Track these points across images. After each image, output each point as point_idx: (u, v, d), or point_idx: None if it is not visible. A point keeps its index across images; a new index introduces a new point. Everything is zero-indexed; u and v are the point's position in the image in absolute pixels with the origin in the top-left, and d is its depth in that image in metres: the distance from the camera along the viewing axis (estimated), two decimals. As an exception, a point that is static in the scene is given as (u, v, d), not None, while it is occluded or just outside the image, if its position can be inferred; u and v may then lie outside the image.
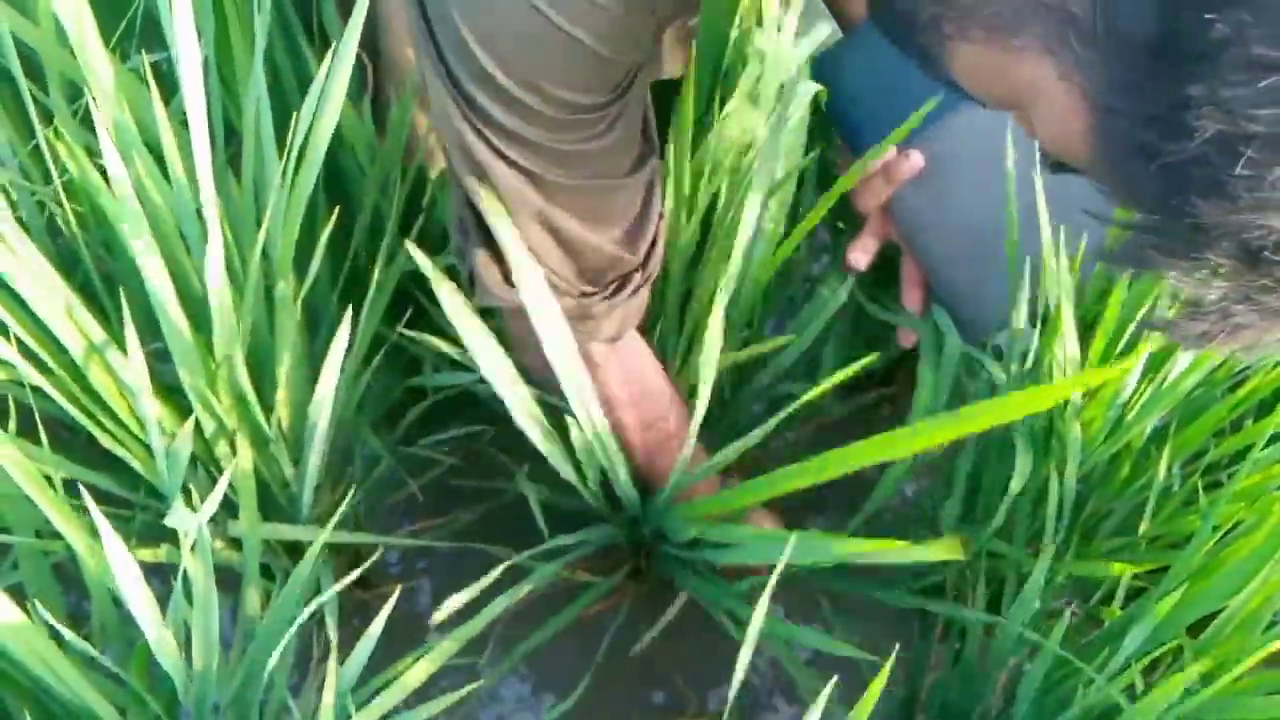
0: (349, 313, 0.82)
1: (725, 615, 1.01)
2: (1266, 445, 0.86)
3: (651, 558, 1.13)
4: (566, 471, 0.94)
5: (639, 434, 0.94)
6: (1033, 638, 0.87)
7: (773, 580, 0.70)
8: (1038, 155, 0.87)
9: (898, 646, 0.79)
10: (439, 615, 0.86)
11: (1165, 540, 0.96)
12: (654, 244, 0.81)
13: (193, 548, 0.74)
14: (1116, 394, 0.84)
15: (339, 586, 0.78)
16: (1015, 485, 0.86)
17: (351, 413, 1.01)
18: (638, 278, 0.82)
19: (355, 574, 0.80)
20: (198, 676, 0.79)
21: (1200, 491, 0.91)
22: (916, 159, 0.91)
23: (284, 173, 0.74)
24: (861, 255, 0.97)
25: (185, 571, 0.75)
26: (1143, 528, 0.93)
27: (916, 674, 1.05)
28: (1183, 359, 0.83)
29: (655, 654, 1.12)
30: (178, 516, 0.77)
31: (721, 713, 1.11)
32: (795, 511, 1.10)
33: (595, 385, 0.87)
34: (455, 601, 0.85)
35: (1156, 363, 0.86)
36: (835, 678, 0.71)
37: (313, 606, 0.74)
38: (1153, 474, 0.90)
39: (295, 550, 1.02)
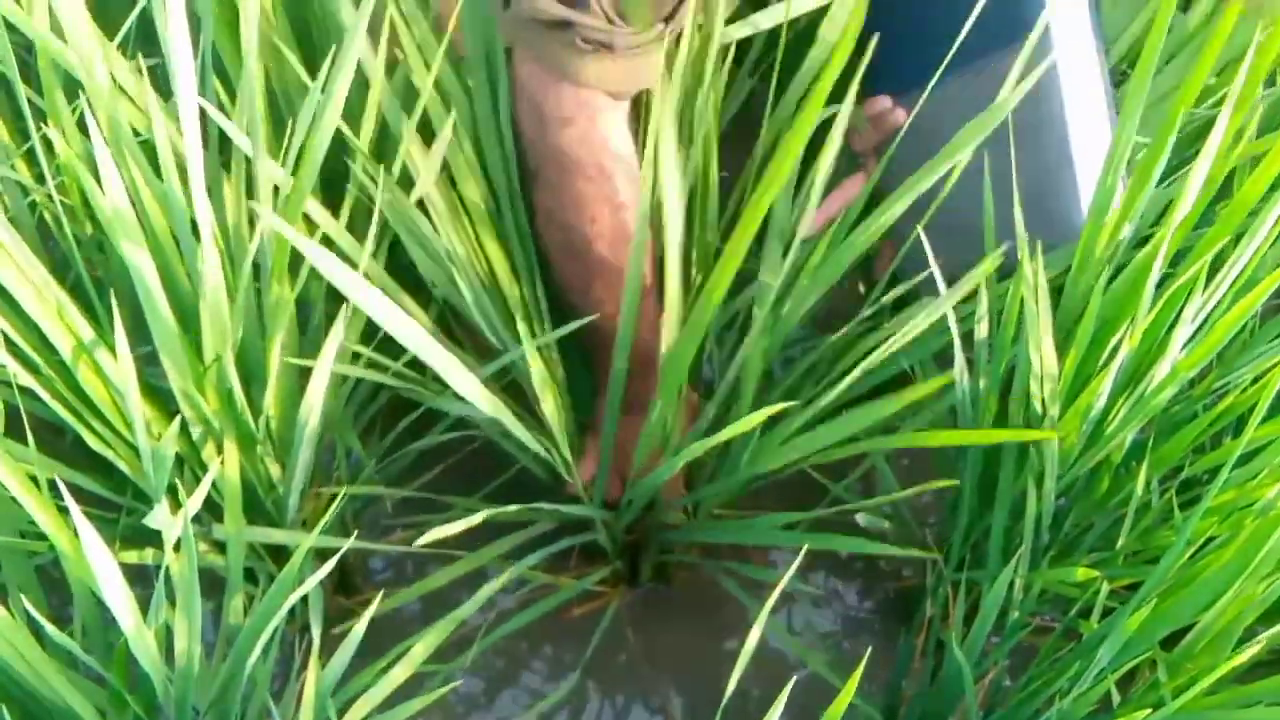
0: (342, 310, 0.82)
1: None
2: (1239, 463, 0.88)
3: (639, 558, 1.14)
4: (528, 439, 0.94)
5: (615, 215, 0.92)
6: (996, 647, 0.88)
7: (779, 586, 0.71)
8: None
9: (870, 650, 0.79)
10: (424, 539, 0.84)
11: (1143, 555, 0.97)
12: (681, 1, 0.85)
13: (177, 548, 0.74)
14: (1091, 406, 0.86)
15: (318, 576, 0.78)
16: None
17: (339, 415, 1.02)
18: (660, 26, 0.85)
19: (329, 565, 0.80)
20: (179, 677, 0.79)
21: (1176, 508, 0.92)
22: (899, 115, 0.95)
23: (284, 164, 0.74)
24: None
25: (167, 572, 0.75)
26: (1121, 542, 0.94)
27: (895, 685, 1.06)
28: (1160, 370, 0.84)
29: (642, 661, 1.13)
30: (159, 517, 0.77)
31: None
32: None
33: (579, 142, 0.88)
34: (441, 531, 0.84)
35: (1135, 375, 0.87)
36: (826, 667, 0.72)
37: (293, 599, 0.74)
38: (1131, 489, 0.91)
39: (278, 554, 1.03)
